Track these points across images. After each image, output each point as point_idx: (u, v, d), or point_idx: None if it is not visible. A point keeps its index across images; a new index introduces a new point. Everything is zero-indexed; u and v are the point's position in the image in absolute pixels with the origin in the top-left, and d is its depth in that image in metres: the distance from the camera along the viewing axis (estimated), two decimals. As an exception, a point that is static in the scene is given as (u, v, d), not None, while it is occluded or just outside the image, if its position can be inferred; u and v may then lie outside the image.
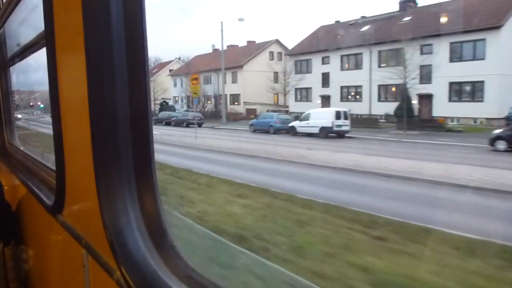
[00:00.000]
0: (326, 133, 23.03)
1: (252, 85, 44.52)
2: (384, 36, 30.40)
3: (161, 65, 64.16)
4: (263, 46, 49.24)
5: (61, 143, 1.47)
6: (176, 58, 65.92)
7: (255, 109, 41.87)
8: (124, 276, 1.04)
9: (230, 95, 47.03)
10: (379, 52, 32.08)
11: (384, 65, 30.63)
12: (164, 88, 54.05)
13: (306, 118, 25.18)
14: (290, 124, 26.00)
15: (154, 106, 51.44)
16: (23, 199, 2.61)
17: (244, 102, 46.19)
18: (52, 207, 1.66)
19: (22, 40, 2.74)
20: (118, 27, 1.03)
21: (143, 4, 1.04)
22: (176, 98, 56.64)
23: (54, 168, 1.65)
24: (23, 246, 2.67)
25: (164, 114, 41.27)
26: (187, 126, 32.57)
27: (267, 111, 35.47)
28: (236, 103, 47.94)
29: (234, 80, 49.01)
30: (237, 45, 53.02)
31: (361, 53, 33.49)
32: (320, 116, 24.12)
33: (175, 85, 57.03)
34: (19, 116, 13.91)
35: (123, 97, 1.05)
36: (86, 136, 1.15)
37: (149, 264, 1.02)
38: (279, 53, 48.23)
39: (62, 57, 1.40)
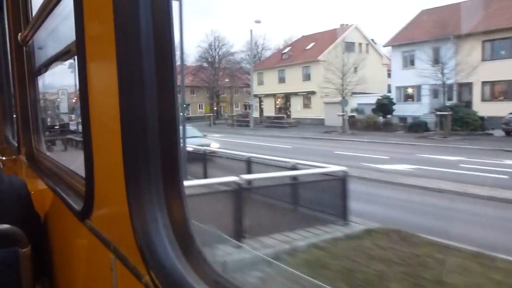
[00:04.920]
0: None
1: None
2: None
3: (327, 37, 40.62)
4: None
5: (90, 150, 1.51)
6: (347, 24, 42.53)
7: None
8: (153, 280, 1.06)
9: None
10: None
11: None
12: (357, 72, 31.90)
13: None
14: None
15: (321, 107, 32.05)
16: (50, 204, 2.67)
17: None
18: (80, 212, 1.70)
19: (50, 50, 2.82)
20: (148, 36, 1.07)
21: (170, 13, 1.08)
22: (407, 90, 32.90)
23: (82, 174, 1.69)
24: (50, 250, 2.73)
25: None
26: None
27: None
28: None
29: None
30: None
31: None
32: None
33: (406, 64, 32.04)
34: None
35: (152, 105, 1.08)
36: (116, 143, 1.18)
37: (177, 269, 1.04)
38: None
39: (93, 66, 1.45)
